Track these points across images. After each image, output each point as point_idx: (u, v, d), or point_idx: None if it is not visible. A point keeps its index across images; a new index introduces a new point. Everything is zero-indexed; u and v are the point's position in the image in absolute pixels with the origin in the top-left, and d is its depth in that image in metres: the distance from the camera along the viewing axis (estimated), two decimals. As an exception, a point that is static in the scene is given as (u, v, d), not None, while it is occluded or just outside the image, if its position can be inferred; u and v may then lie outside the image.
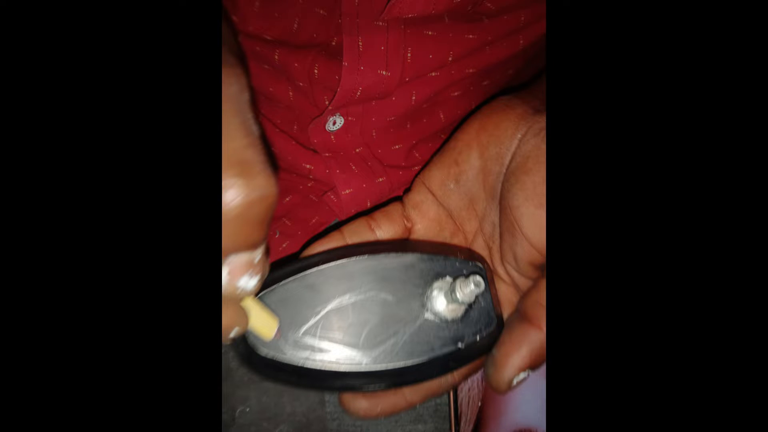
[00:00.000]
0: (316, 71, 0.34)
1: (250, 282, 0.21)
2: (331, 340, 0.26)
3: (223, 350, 0.40)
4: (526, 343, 0.26)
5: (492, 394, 0.47)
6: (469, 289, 0.25)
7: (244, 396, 0.39)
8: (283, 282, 0.26)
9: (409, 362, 0.26)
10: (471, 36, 0.34)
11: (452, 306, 0.26)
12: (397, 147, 0.39)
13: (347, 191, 0.37)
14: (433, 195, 0.32)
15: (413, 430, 0.41)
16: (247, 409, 0.39)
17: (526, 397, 0.46)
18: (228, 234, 0.19)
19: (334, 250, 0.30)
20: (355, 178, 0.37)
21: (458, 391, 0.47)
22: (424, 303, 0.27)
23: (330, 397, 0.40)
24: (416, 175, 0.33)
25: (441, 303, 0.26)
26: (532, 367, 0.26)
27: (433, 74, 0.35)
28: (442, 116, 0.38)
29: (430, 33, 0.33)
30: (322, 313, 0.26)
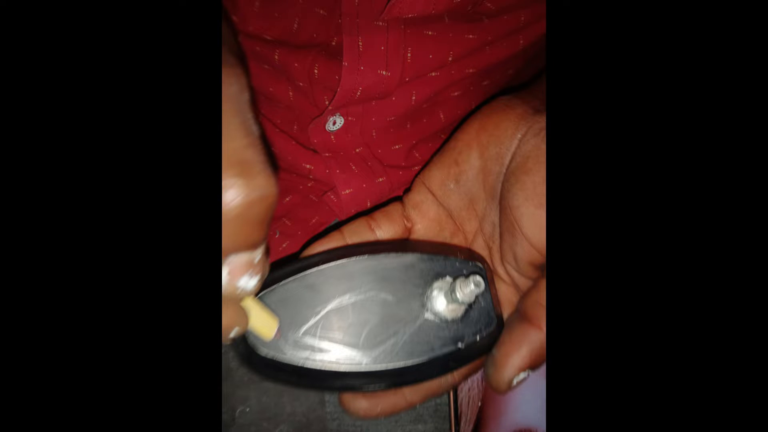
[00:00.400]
0: (316, 71, 0.34)
1: (250, 282, 0.21)
2: (331, 340, 0.26)
3: (223, 350, 0.40)
4: (526, 343, 0.26)
5: (492, 394, 0.47)
6: (469, 289, 0.25)
7: (244, 396, 0.39)
8: (283, 282, 0.26)
9: (409, 362, 0.26)
10: (471, 36, 0.34)
11: (452, 306, 0.26)
12: (397, 147, 0.39)
13: (347, 191, 0.37)
14: (433, 195, 0.32)
15: (413, 430, 0.41)
16: (247, 409, 0.39)
17: (526, 397, 0.46)
18: (228, 234, 0.19)
19: (334, 250, 0.30)
20: (355, 178, 0.37)
21: (458, 391, 0.47)
22: (424, 303, 0.27)
23: (330, 397, 0.40)
24: (416, 175, 0.33)
25: (441, 303, 0.26)
26: (532, 367, 0.26)
27: (433, 74, 0.35)
28: (442, 116, 0.38)
29: (430, 33, 0.33)
30: (322, 313, 0.26)
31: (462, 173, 0.31)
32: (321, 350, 0.26)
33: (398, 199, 0.33)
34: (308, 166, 0.38)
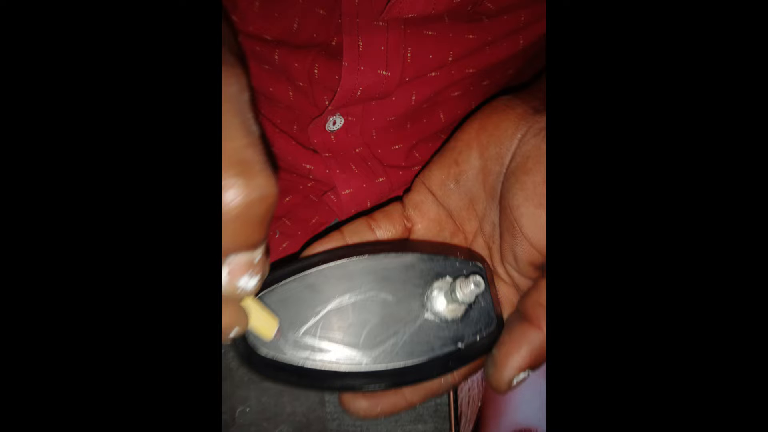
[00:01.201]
0: (316, 71, 0.35)
1: (250, 282, 0.21)
2: (331, 340, 0.26)
3: (223, 350, 0.40)
4: (526, 343, 0.26)
5: (492, 394, 0.47)
6: (469, 289, 0.25)
7: (244, 396, 0.39)
8: (283, 282, 0.26)
9: (409, 362, 0.26)
10: (471, 36, 0.34)
11: (452, 306, 0.26)
12: (397, 147, 0.39)
13: (347, 191, 0.37)
14: (433, 195, 0.32)
15: (413, 430, 0.41)
16: (247, 409, 0.39)
17: (526, 397, 0.46)
18: (228, 234, 0.19)
19: (334, 250, 0.30)
20: (355, 178, 0.37)
21: (458, 391, 0.47)
22: (424, 303, 0.27)
23: (330, 397, 0.40)
24: (416, 175, 0.33)
25: (441, 303, 0.26)
26: (532, 367, 0.26)
27: (433, 74, 0.35)
28: (442, 116, 0.38)
29: (430, 33, 0.33)
30: (322, 313, 0.26)
31: (462, 173, 0.31)
32: (321, 350, 0.26)
33: (398, 199, 0.33)
34: (308, 166, 0.38)
